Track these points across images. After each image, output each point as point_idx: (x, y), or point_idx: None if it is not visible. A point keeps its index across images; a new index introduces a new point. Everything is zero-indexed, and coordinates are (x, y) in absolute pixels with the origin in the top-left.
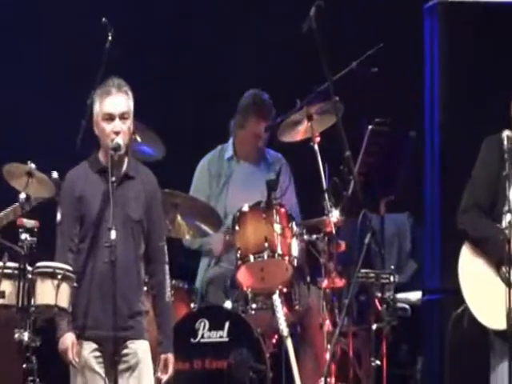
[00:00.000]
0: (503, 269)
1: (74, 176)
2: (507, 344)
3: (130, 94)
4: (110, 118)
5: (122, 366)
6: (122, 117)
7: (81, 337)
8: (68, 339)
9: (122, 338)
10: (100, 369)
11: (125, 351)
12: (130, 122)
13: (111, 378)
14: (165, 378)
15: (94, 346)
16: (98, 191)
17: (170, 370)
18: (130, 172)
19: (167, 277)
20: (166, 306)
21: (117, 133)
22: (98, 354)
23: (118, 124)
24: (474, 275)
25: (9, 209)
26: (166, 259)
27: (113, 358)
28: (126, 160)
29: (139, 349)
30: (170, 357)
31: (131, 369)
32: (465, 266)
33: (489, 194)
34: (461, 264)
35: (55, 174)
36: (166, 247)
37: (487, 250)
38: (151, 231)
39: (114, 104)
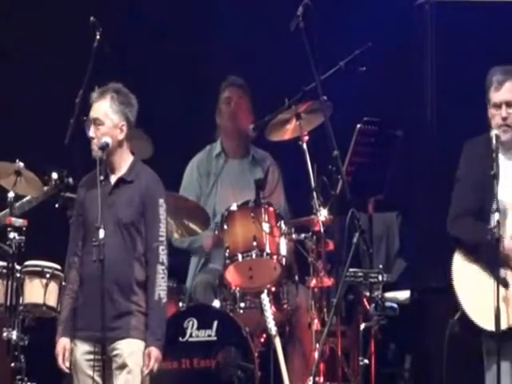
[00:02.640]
0: (502, 271)
1: (82, 182)
2: (505, 345)
3: (115, 97)
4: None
5: (112, 367)
6: (95, 122)
7: (75, 337)
8: (60, 345)
9: (109, 338)
10: (90, 371)
11: (114, 352)
12: (105, 127)
13: (102, 379)
14: (146, 371)
15: (86, 347)
16: (95, 195)
17: (152, 363)
18: (128, 177)
19: (159, 276)
20: (154, 304)
21: (92, 138)
22: (89, 356)
23: (91, 129)
24: (469, 280)
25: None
26: (160, 259)
27: (102, 359)
28: (129, 164)
29: (125, 349)
30: (153, 350)
31: (119, 369)
32: (458, 270)
33: (476, 196)
34: (454, 269)
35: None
36: (160, 248)
37: (482, 256)
38: (146, 233)
39: (92, 110)
